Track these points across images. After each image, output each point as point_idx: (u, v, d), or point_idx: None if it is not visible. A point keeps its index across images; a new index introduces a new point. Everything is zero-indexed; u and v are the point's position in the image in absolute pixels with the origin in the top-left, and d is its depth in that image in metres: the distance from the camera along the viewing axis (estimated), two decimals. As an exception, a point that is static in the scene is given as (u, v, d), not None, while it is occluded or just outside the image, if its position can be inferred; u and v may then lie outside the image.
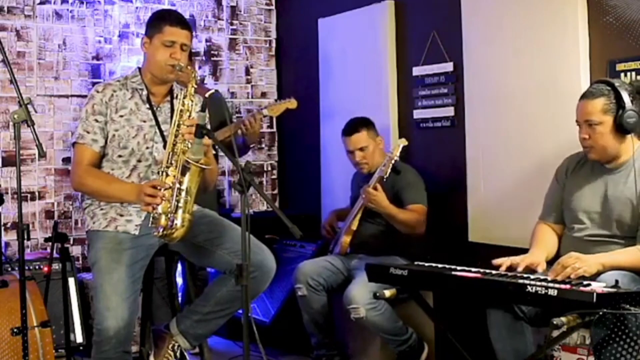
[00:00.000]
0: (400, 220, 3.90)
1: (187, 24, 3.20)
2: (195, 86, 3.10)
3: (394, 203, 3.94)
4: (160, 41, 3.13)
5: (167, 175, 2.97)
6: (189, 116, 3.03)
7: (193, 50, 5.03)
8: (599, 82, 3.02)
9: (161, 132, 3.16)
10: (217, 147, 3.24)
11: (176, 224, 2.93)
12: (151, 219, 2.98)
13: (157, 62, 3.15)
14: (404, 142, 3.96)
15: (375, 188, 3.88)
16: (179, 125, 3.01)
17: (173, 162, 2.98)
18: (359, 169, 4.15)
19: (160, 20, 3.18)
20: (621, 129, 2.92)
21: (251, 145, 4.54)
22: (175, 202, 2.93)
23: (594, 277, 2.77)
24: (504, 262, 2.95)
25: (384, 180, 3.89)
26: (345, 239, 4.09)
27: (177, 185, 2.94)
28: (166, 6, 5.03)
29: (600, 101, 2.93)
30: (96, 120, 3.14)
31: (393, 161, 3.86)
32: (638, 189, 2.91)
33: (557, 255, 3.09)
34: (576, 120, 3.04)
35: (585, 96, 2.99)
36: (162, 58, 3.13)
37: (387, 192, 3.95)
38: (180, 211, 2.93)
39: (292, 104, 4.37)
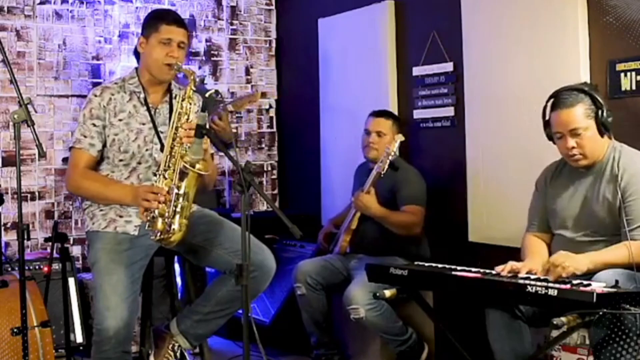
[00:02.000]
0: (391, 223, 3.90)
1: (183, 23, 3.19)
2: (194, 88, 3.09)
3: (392, 201, 3.94)
4: (157, 40, 3.12)
5: (164, 178, 2.98)
6: (187, 119, 3.03)
7: (193, 50, 5.03)
8: (566, 89, 3.02)
9: (158, 134, 3.16)
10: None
11: (173, 229, 2.93)
12: (147, 222, 2.99)
13: (154, 61, 3.14)
14: (401, 137, 3.95)
15: (369, 192, 3.89)
16: (176, 129, 3.01)
17: (171, 165, 2.98)
18: (366, 152, 4.10)
19: (157, 19, 3.17)
20: (603, 128, 2.96)
21: (229, 142, 4.40)
22: (173, 207, 2.93)
23: (590, 276, 2.77)
24: (505, 267, 2.94)
25: (382, 176, 3.88)
26: (345, 238, 4.09)
27: (175, 190, 2.94)
28: (166, 6, 5.04)
29: (580, 107, 2.95)
30: (94, 125, 3.13)
31: (390, 157, 3.85)
32: (619, 185, 2.93)
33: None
34: (555, 132, 3.03)
35: (562, 106, 2.98)
36: (159, 57, 3.12)
37: (384, 190, 3.95)
38: (177, 216, 2.93)
39: (255, 97, 4.33)
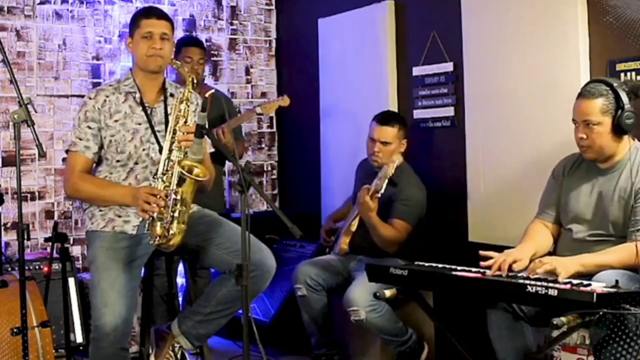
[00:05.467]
0: (378, 234, 3.81)
1: (163, 15, 3.23)
2: (192, 91, 3.12)
3: (385, 209, 3.87)
4: (139, 35, 3.16)
5: (162, 182, 2.98)
6: (185, 122, 3.04)
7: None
8: (595, 81, 3.00)
9: (155, 134, 3.16)
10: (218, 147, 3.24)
11: (172, 233, 2.95)
12: (147, 224, 2.99)
13: (140, 56, 3.18)
14: (399, 158, 3.84)
15: (373, 196, 3.76)
16: (174, 132, 3.02)
17: (169, 169, 2.99)
18: (372, 159, 4.01)
19: (137, 16, 3.22)
20: (619, 129, 2.91)
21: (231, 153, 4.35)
22: (171, 212, 2.94)
23: (590, 276, 2.77)
24: (494, 266, 2.90)
25: (379, 195, 3.76)
26: (345, 240, 4.05)
27: (173, 196, 2.95)
28: (166, 6, 5.04)
29: (599, 101, 2.91)
30: (89, 127, 3.14)
31: (387, 180, 3.71)
32: (634, 187, 2.91)
33: (552, 255, 3.10)
34: (573, 119, 3.02)
35: (583, 95, 2.96)
36: (142, 50, 3.16)
37: (383, 198, 3.90)
38: (175, 222, 2.95)
39: (284, 101, 4.35)
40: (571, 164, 3.17)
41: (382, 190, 3.75)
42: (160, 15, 3.21)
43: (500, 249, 3.69)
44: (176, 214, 2.95)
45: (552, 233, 3.17)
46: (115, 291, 2.96)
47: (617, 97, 2.90)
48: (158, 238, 2.94)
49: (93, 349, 3.00)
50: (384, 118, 4.00)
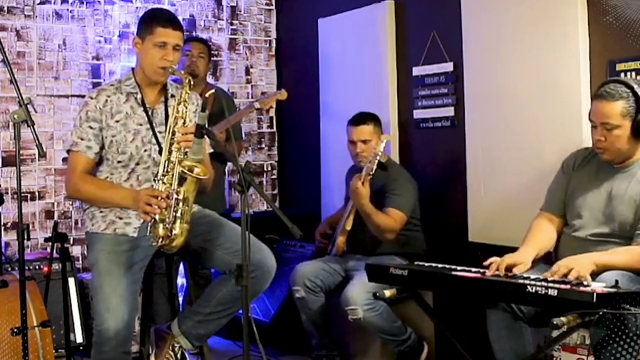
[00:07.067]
0: (373, 222, 3.83)
1: (179, 25, 3.17)
2: (189, 92, 3.10)
3: (378, 200, 3.90)
4: (151, 42, 3.10)
5: (163, 183, 2.98)
6: (184, 123, 3.03)
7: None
8: (614, 82, 2.96)
9: (156, 135, 3.16)
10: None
11: (175, 234, 2.94)
12: (149, 226, 2.99)
13: (149, 64, 3.13)
14: (388, 137, 3.92)
15: (364, 183, 3.81)
16: (173, 133, 3.01)
17: (169, 169, 2.98)
18: (357, 161, 4.05)
19: (152, 20, 3.14)
20: (638, 132, 2.88)
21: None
22: (173, 212, 2.94)
23: (593, 277, 2.77)
24: (492, 267, 2.91)
25: (371, 176, 3.81)
26: (341, 239, 4.06)
27: (175, 196, 2.95)
28: (166, 6, 5.03)
29: (619, 104, 2.87)
30: (90, 127, 3.13)
31: (378, 157, 3.79)
32: None
33: (555, 252, 3.09)
34: (590, 119, 2.99)
35: (602, 97, 2.91)
36: (154, 60, 3.10)
37: (374, 189, 3.92)
38: (178, 221, 2.94)
39: (282, 95, 4.36)
40: (582, 158, 3.15)
41: (373, 172, 3.80)
42: (177, 26, 3.15)
43: (500, 249, 3.70)
44: (179, 214, 2.94)
45: (556, 227, 3.15)
46: (117, 295, 2.96)
47: (638, 100, 2.87)
48: (161, 239, 2.94)
49: (95, 353, 3.00)
50: (357, 119, 4.08)
